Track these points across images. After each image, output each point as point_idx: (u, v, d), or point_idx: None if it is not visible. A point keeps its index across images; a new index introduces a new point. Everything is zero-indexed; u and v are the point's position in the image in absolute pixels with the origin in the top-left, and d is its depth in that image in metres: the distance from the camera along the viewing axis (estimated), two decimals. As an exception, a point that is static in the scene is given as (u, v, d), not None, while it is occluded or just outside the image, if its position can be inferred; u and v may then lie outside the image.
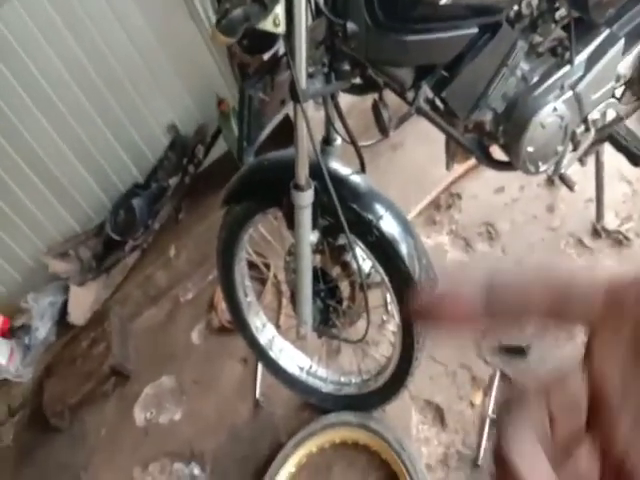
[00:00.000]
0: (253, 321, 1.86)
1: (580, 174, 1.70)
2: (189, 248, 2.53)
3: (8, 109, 2.24)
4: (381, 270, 1.46)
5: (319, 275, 1.53)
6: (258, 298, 2.02)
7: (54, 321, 2.49)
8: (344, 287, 1.57)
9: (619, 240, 1.96)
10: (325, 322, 1.60)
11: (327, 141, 1.49)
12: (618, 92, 1.53)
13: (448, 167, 1.66)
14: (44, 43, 2.18)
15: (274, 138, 1.52)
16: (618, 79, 1.47)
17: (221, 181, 2.41)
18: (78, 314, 2.44)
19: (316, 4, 1.12)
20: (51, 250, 2.55)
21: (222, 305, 2.27)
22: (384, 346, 1.94)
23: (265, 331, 1.90)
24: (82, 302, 2.45)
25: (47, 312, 2.46)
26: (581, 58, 1.39)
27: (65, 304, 2.49)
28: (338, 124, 1.44)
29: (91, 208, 2.62)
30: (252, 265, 2.15)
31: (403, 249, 1.39)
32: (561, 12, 1.36)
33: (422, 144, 2.32)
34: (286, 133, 1.48)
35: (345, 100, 1.43)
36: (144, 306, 2.53)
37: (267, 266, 2.31)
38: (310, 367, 1.90)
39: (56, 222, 2.56)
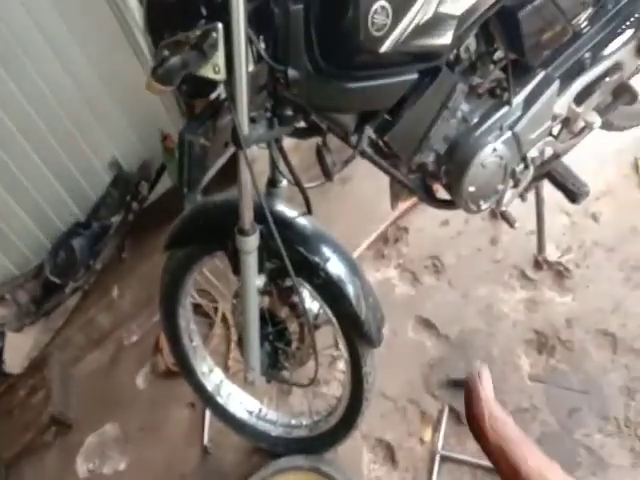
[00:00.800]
0: (200, 366, 1.82)
1: (521, 206, 1.74)
2: (133, 288, 2.45)
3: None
4: (329, 311, 1.46)
5: (267, 317, 1.51)
6: (204, 341, 1.97)
7: (-12, 371, 2.36)
8: (293, 328, 1.54)
9: (560, 272, 2.01)
10: (274, 365, 1.57)
11: (273, 183, 1.48)
12: (555, 130, 1.57)
13: (393, 207, 1.67)
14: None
15: (220, 175, 1.51)
16: (554, 118, 1.51)
17: (166, 218, 2.34)
18: (15, 362, 2.33)
19: (257, 50, 1.11)
20: (-16, 294, 2.44)
21: (167, 348, 2.20)
22: (334, 385, 1.92)
23: (212, 376, 1.85)
24: (19, 349, 2.34)
25: (-20, 361, 2.34)
26: (519, 99, 1.42)
27: (0, 351, 2.36)
28: (283, 166, 1.43)
29: (28, 249, 2.50)
30: (197, 305, 2.10)
31: (350, 290, 1.39)
32: (499, 53, 1.39)
33: (370, 178, 2.32)
34: (232, 171, 1.46)
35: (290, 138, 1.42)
36: (86, 350, 2.43)
37: (215, 308, 2.25)
38: (260, 411, 1.87)
39: (-10, 264, 2.45)
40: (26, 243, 2.48)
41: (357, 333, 1.44)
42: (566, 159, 1.65)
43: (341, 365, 1.92)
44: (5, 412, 2.27)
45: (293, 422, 1.84)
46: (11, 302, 2.42)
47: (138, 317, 2.43)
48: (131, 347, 2.39)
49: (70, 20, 2.15)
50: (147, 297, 2.40)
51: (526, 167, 1.52)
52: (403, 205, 2.23)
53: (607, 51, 1.55)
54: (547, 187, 1.80)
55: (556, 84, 1.45)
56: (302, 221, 1.41)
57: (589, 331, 1.89)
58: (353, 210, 2.38)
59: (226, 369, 2.04)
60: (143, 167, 2.55)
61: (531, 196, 1.79)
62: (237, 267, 1.36)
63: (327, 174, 1.35)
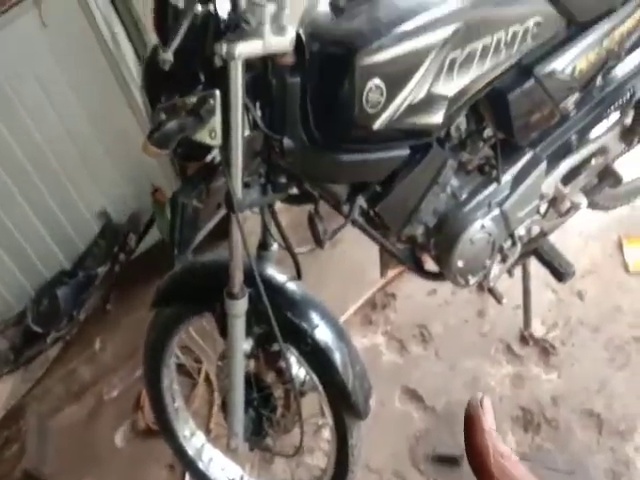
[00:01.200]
0: (181, 429, 1.78)
1: (508, 280, 1.76)
2: (116, 341, 2.43)
3: None
4: (315, 378, 1.44)
5: (252, 381, 1.48)
6: (187, 402, 1.94)
7: (-38, 418, 2.31)
8: (278, 394, 1.52)
9: (546, 348, 2.01)
10: (258, 432, 1.54)
11: (263, 246, 1.48)
12: (542, 209, 1.60)
13: (382, 274, 1.68)
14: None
15: (209, 234, 1.51)
16: (542, 197, 1.55)
17: (153, 271, 2.36)
18: (-10, 411, 2.28)
19: (253, 118, 1.14)
20: (-36, 339, 2.40)
21: (148, 405, 2.16)
22: (319, 454, 1.88)
23: (194, 440, 1.81)
24: (-5, 398, 2.30)
25: (-45, 408, 2.29)
26: (507, 177, 1.46)
27: (-24, 400, 2.32)
28: (274, 229, 1.44)
29: (11, 295, 2.48)
30: (180, 365, 2.07)
31: (337, 358, 1.38)
32: (488, 132, 1.44)
33: (359, 243, 2.34)
34: (223, 230, 1.47)
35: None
36: (65, 402, 2.37)
37: (199, 369, 2.22)
38: (241, 478, 1.81)
39: (-29, 308, 2.43)
40: (9, 289, 2.47)
41: (344, 403, 1.42)
42: (552, 236, 1.67)
43: (326, 434, 1.89)
44: (-24, 465, 2.21)
45: (276, 492, 1.79)
46: (-11, 349, 2.39)
47: (120, 371, 2.39)
48: (111, 402, 2.34)
49: (68, 73, 2.21)
50: (130, 351, 2.37)
51: (514, 244, 1.55)
52: (392, 272, 2.24)
53: (593, 135, 1.61)
54: (534, 263, 1.82)
55: (544, 164, 1.49)
56: (291, 286, 1.41)
57: (575, 410, 1.87)
58: (341, 274, 2.39)
59: (208, 432, 1.99)
60: (132, 219, 2.57)
61: (518, 271, 1.81)
62: (224, 329, 1.35)
63: (318, 241, 1.36)
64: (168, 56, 0.95)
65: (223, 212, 1.36)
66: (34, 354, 2.38)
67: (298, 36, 1.09)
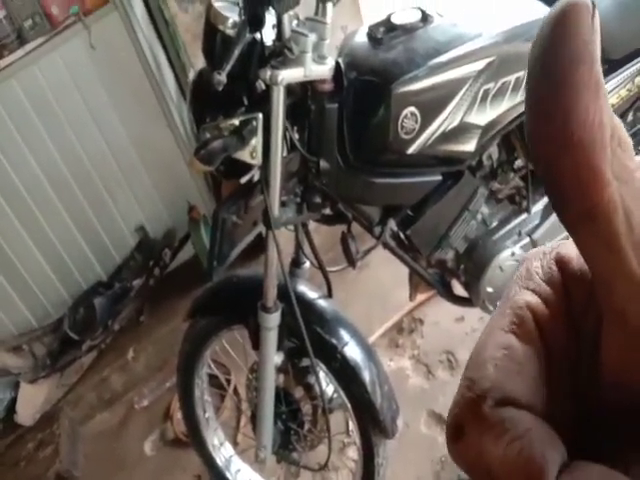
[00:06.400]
0: (211, 439, 1.81)
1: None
2: (148, 352, 2.49)
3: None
4: (343, 395, 1.46)
5: (281, 396, 1.52)
6: (216, 413, 1.98)
7: (-1, 418, 2.39)
8: (306, 410, 1.55)
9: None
10: (285, 446, 1.57)
11: (296, 263, 1.53)
12: (572, 240, 1.62)
13: (411, 297, 1.71)
14: (19, 139, 2.23)
15: (244, 251, 1.57)
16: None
17: (186, 286, 2.44)
18: (27, 414, 2.35)
19: (291, 140, 1.20)
20: (3, 343, 2.48)
21: (178, 415, 2.20)
22: (344, 472, 1.89)
23: (222, 450, 1.84)
24: (32, 401, 2.36)
25: (-7, 408, 2.37)
26: (537, 207, 1.48)
27: (13, 402, 2.39)
28: (307, 248, 1.49)
29: (50, 303, 2.57)
30: (211, 376, 2.12)
31: (366, 376, 1.40)
32: (519, 162, 1.47)
33: (387, 265, 2.38)
34: (256, 248, 1.53)
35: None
36: (97, 410, 2.44)
37: (228, 380, 2.27)
38: (267, 491, 1.84)
39: (12, 314, 2.50)
40: (48, 297, 2.56)
41: (371, 421, 1.43)
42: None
43: (351, 452, 1.91)
44: (12, 463, 2.27)
45: (300, 506, 1.80)
46: (28, 353, 2.46)
47: (151, 381, 2.45)
48: (141, 411, 2.39)
49: (112, 93, 2.31)
50: (161, 362, 2.43)
51: (543, 273, 1.56)
52: (421, 296, 2.26)
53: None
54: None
55: (574, 197, 1.50)
56: (323, 303, 1.44)
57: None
58: (369, 296, 2.42)
59: (235, 444, 2.03)
60: (168, 235, 2.64)
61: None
62: (257, 342, 1.40)
63: (351, 261, 1.40)
64: (222, 78, 1.01)
65: (259, 229, 1.42)
66: (69, 360, 2.45)
67: (337, 64, 1.15)
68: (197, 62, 2.13)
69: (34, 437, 2.32)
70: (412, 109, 1.15)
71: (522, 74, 1.25)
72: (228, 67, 1.02)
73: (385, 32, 1.20)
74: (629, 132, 1.58)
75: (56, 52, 2.16)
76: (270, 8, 1.06)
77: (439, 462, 1.92)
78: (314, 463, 1.60)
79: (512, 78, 1.24)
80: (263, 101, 1.11)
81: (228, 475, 1.83)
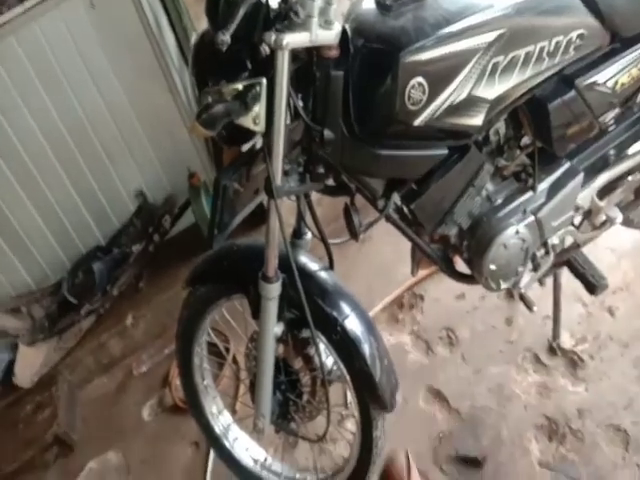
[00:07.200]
0: (209, 406, 1.81)
1: (539, 290, 1.75)
2: (147, 318, 2.49)
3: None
4: (343, 367, 1.45)
5: (280, 366, 1.51)
6: (215, 381, 1.98)
7: (-3, 380, 2.40)
8: (305, 381, 1.54)
9: (574, 361, 1.99)
10: (284, 416, 1.57)
11: (297, 234, 1.51)
12: (577, 220, 1.60)
13: (413, 272, 1.70)
14: (18, 99, 2.20)
15: (245, 220, 1.55)
16: (577, 209, 1.54)
17: (185, 253, 2.43)
18: (25, 376, 2.36)
19: (295, 107, 1.17)
20: (1, 304, 2.48)
21: (177, 382, 2.21)
22: (342, 444, 1.90)
23: (221, 418, 1.84)
24: (30, 363, 2.37)
25: (-9, 369, 2.38)
26: (543, 186, 1.46)
27: (11, 363, 2.40)
28: (309, 219, 1.47)
29: (49, 266, 2.55)
30: (211, 344, 2.12)
31: (366, 350, 1.39)
32: (526, 140, 1.44)
33: (390, 239, 2.37)
34: (257, 217, 1.51)
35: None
36: (95, 374, 2.45)
37: (227, 349, 2.27)
38: (265, 460, 1.84)
39: (10, 276, 2.50)
40: (47, 260, 2.54)
41: (370, 394, 1.43)
42: (585, 251, 1.66)
43: (349, 425, 1.91)
44: (10, 424, 2.29)
45: (298, 476, 1.80)
46: (26, 315, 2.46)
47: (149, 348, 2.46)
48: (140, 377, 2.41)
49: (112, 54, 2.27)
50: (160, 329, 2.44)
51: (547, 252, 1.55)
52: (422, 271, 2.25)
53: (631, 151, 1.59)
54: (565, 275, 1.81)
55: (580, 176, 1.48)
56: (324, 275, 1.43)
57: (600, 425, 1.85)
58: (371, 270, 2.41)
59: (233, 413, 2.03)
60: (168, 201, 2.62)
61: (549, 281, 1.81)
62: (257, 312, 1.39)
63: (353, 234, 1.39)
64: (226, 38, 0.98)
65: (260, 198, 1.41)
66: (68, 324, 2.44)
67: (344, 31, 1.12)
68: (200, 25, 2.09)
69: (32, 399, 2.34)
70: (420, 79, 1.12)
71: (533, 48, 1.22)
72: (233, 27, 0.99)
73: (394, -1, 1.17)
74: (639, 112, 1.55)
75: (56, 10, 2.11)
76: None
77: (437, 438, 1.93)
78: (312, 434, 1.60)
79: (522, 52, 1.21)
80: (267, 66, 1.09)
81: (226, 443, 1.84)
